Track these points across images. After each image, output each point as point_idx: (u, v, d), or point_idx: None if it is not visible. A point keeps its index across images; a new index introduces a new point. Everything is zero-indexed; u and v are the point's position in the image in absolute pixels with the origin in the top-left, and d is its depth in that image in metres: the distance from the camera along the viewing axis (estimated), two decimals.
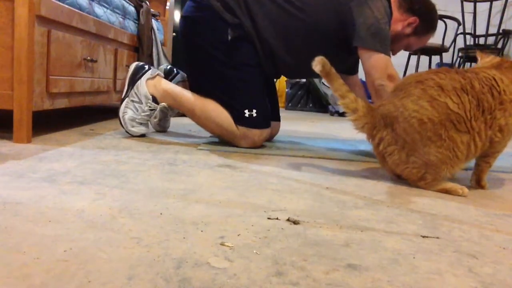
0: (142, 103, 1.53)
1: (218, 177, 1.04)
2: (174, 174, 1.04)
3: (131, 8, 2.27)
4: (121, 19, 2.07)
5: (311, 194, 0.95)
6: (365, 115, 1.10)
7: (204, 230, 0.68)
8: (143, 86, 1.53)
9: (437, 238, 0.73)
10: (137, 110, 1.54)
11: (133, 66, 1.57)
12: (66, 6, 1.43)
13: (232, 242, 0.64)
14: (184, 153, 1.34)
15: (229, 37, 1.49)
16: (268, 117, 1.55)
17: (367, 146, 1.81)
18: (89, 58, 1.64)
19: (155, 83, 1.55)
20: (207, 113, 1.51)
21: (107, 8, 1.88)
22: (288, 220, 0.76)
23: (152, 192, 0.87)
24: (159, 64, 2.47)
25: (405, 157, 1.08)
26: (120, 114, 1.53)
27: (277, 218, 0.77)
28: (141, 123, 1.56)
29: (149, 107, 1.54)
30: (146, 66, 1.57)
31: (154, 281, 0.51)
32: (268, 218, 0.76)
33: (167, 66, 1.78)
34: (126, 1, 2.18)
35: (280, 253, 0.61)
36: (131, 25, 2.23)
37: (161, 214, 0.74)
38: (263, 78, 1.58)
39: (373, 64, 1.44)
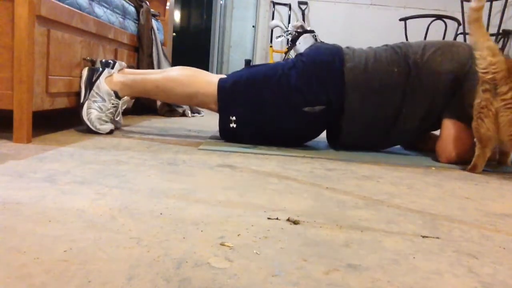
0: (105, 101, 1.55)
1: (218, 177, 1.04)
2: (174, 174, 1.04)
3: (131, 8, 2.27)
4: (121, 19, 2.07)
5: (311, 194, 0.95)
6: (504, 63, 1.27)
7: (204, 230, 0.68)
8: (103, 84, 1.56)
9: (437, 238, 0.73)
10: (101, 109, 1.56)
11: (85, 71, 1.59)
12: (66, 6, 1.43)
13: (232, 242, 0.64)
14: (184, 153, 1.34)
15: (311, 111, 1.49)
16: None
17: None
18: (88, 58, 1.64)
19: (111, 80, 1.58)
20: (173, 82, 1.55)
21: (107, 8, 1.88)
22: (288, 220, 0.76)
23: (152, 192, 0.87)
24: (159, 64, 2.46)
25: None
26: (85, 116, 1.54)
27: (277, 218, 0.77)
28: (106, 121, 1.58)
29: (112, 104, 1.57)
30: (100, 68, 1.60)
31: (154, 281, 0.51)
32: (268, 218, 0.76)
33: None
34: (126, 1, 2.18)
35: (280, 253, 0.61)
36: (131, 25, 2.23)
37: (161, 214, 0.74)
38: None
39: (451, 137, 1.47)
